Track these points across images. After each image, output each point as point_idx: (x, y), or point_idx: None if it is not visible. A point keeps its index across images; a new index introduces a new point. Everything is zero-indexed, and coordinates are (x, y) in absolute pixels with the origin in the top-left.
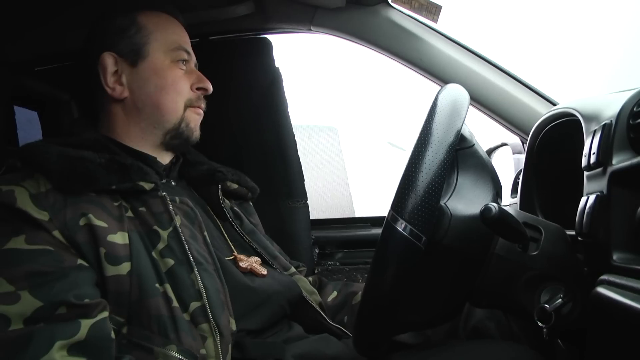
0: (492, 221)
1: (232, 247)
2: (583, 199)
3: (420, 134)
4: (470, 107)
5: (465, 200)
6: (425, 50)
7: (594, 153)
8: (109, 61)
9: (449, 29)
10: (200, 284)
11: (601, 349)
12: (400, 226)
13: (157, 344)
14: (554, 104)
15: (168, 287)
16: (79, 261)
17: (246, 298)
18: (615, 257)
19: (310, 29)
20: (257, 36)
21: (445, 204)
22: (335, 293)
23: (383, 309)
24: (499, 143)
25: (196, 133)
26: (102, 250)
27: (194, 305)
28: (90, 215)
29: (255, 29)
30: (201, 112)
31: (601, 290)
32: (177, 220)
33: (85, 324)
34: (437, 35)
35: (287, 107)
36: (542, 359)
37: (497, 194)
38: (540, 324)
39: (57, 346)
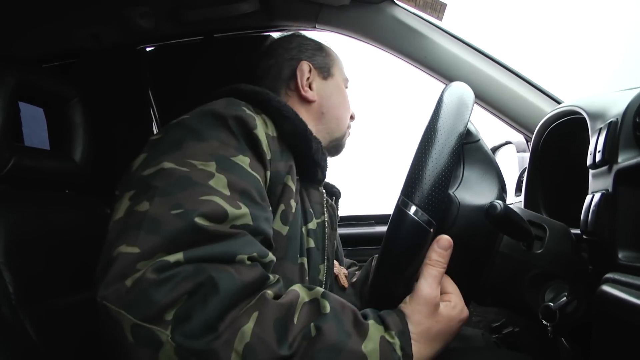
0: (497, 218)
1: None
2: (588, 197)
3: (429, 123)
4: (475, 105)
5: (472, 192)
6: (429, 48)
7: (599, 151)
8: (306, 68)
9: (454, 27)
10: (324, 276)
11: (606, 347)
12: (411, 210)
13: None
14: (559, 102)
15: (305, 261)
16: (270, 207)
17: None
18: (620, 255)
19: (315, 27)
20: (261, 34)
21: (453, 193)
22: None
23: (393, 294)
24: (503, 141)
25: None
26: (281, 207)
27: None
28: (289, 176)
29: (260, 26)
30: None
31: (606, 288)
32: (326, 217)
33: (270, 257)
34: (442, 33)
35: None
36: None
37: (503, 189)
38: (544, 322)
39: (253, 255)
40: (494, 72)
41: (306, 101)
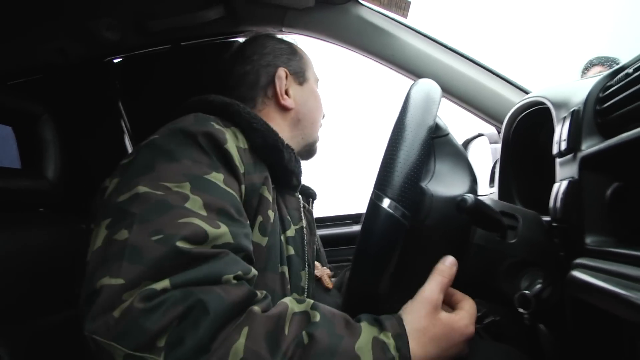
0: (468, 211)
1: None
2: (556, 185)
3: (398, 118)
4: (446, 99)
5: (444, 184)
6: (397, 45)
7: (564, 140)
8: (283, 75)
9: (420, 24)
10: (306, 282)
11: (579, 331)
12: (386, 204)
13: None
14: (527, 93)
15: (286, 270)
16: (247, 221)
17: None
18: (588, 240)
19: (282, 30)
20: (229, 40)
21: (426, 185)
22: None
23: (370, 292)
24: (475, 134)
25: None
26: (259, 218)
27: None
28: (265, 187)
29: (227, 32)
30: None
31: (576, 273)
32: (304, 222)
33: (252, 272)
34: (408, 30)
35: None
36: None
37: (474, 181)
38: (521, 310)
39: (238, 274)
40: (462, 66)
41: (284, 109)
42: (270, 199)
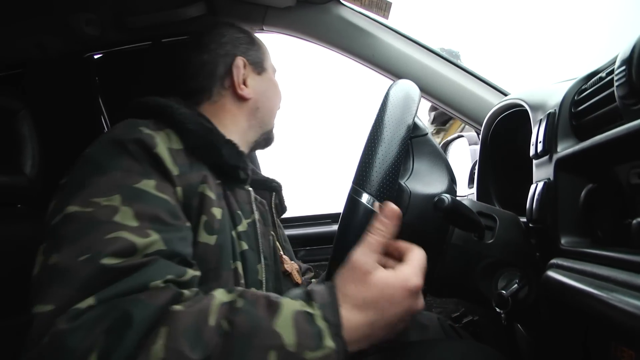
0: (445, 212)
1: (279, 247)
2: (532, 187)
3: (377, 116)
4: (426, 101)
5: (423, 183)
6: (377, 46)
7: (540, 142)
8: (241, 64)
9: (400, 24)
10: (263, 275)
11: (553, 329)
12: (364, 199)
13: None
14: (506, 95)
15: (239, 265)
16: (187, 223)
17: None
18: (563, 241)
19: (263, 29)
20: None
21: (404, 183)
22: None
23: None
24: (455, 135)
25: None
26: (203, 217)
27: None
28: (206, 185)
29: None
30: None
31: (551, 273)
32: (256, 215)
33: (189, 273)
34: (389, 31)
35: None
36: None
37: (452, 180)
38: (498, 309)
39: (168, 277)
40: (442, 67)
41: (241, 99)
42: (214, 196)
